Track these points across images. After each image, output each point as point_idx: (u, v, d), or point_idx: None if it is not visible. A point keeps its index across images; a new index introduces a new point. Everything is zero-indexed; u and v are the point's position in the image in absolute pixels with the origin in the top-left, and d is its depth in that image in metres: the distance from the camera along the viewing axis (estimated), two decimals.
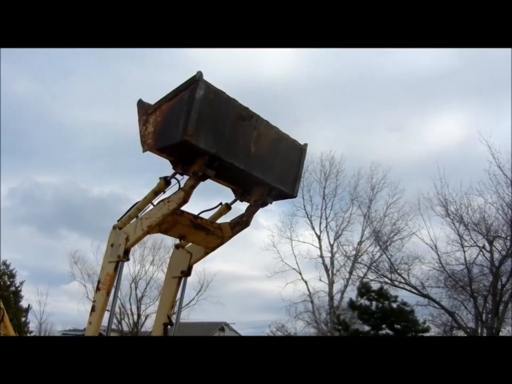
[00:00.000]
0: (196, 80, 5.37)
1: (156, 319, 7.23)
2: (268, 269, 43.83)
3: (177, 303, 7.22)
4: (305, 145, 6.73)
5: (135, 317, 46.56)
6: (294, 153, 6.65)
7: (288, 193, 6.76)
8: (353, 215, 41.35)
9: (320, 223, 41.80)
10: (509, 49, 15.26)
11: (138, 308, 46.75)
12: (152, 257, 47.01)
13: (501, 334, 29.99)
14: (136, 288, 46.85)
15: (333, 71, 61.12)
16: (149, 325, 46.90)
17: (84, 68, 72.94)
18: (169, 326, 6.91)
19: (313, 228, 41.91)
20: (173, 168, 5.90)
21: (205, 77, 5.45)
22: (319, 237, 41.71)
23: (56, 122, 73.41)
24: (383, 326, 32.88)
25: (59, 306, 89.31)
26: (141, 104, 5.91)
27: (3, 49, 12.49)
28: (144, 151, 5.80)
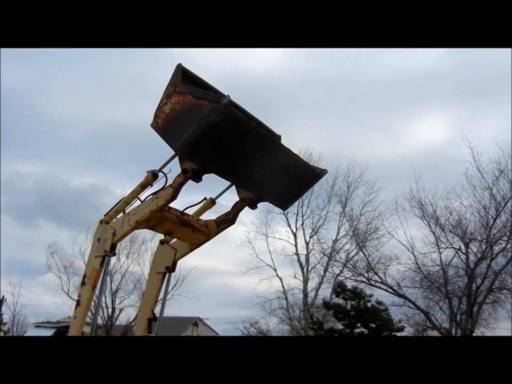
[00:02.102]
0: (219, 103, 5.12)
1: (139, 314, 7.24)
2: (242, 265, 43.77)
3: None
4: (324, 171, 6.63)
5: (110, 310, 46.20)
6: (305, 177, 6.59)
7: (277, 206, 6.95)
8: (330, 213, 41.51)
9: (296, 221, 41.87)
10: (509, 49, 15.28)
11: (113, 301, 46.43)
12: (128, 250, 46.64)
13: (474, 335, 30.32)
14: (111, 281, 46.51)
15: (318, 69, 61.13)
16: (123, 319, 46.79)
17: (69, 61, 72.18)
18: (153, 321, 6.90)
19: (289, 225, 41.97)
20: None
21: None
22: (294, 234, 41.85)
23: (40, 114, 72.54)
24: (358, 324, 33.08)
25: (33, 298, 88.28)
26: (178, 72, 5.68)
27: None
28: (151, 125, 5.72)
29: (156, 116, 5.68)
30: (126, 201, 6.31)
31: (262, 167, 5.92)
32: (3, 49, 11.85)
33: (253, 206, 6.63)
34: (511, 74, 34.71)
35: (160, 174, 6.06)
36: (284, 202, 6.95)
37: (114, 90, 70.18)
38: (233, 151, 5.63)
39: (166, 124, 5.59)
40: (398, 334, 32.40)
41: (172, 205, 6.27)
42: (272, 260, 41.40)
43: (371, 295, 33.73)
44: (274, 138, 5.81)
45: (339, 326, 34.24)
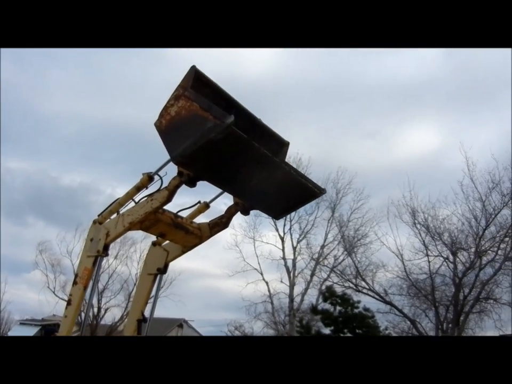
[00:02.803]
0: (222, 122, 4.98)
1: (129, 315, 7.24)
2: (229, 268, 43.73)
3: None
4: (323, 191, 6.50)
5: (95, 309, 45.98)
6: (302, 195, 6.49)
7: (270, 216, 6.99)
8: (318, 218, 41.54)
9: (284, 225, 41.83)
10: (509, 49, 15.25)
11: (99, 301, 46.24)
12: (117, 251, 46.47)
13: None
14: (98, 280, 46.17)
15: (310, 72, 60.96)
16: (108, 318, 46.67)
17: (61, 59, 72.04)
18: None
19: (277, 230, 41.93)
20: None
21: None
22: (282, 239, 41.89)
23: (31, 111, 72.25)
24: (345, 330, 33.23)
25: (18, 294, 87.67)
26: (190, 74, 5.52)
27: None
28: (155, 124, 5.62)
29: (161, 115, 5.59)
30: (120, 203, 6.31)
31: (259, 181, 5.89)
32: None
33: (246, 213, 6.67)
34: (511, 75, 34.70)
35: (156, 177, 6.06)
36: (277, 214, 7.00)
37: (107, 89, 70.03)
38: (231, 165, 5.61)
39: (168, 127, 5.52)
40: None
41: (166, 207, 6.28)
42: (259, 263, 41.42)
43: (358, 301, 33.93)
44: (274, 159, 5.66)
45: (325, 331, 34.43)
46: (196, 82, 5.57)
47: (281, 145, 6.52)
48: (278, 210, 6.87)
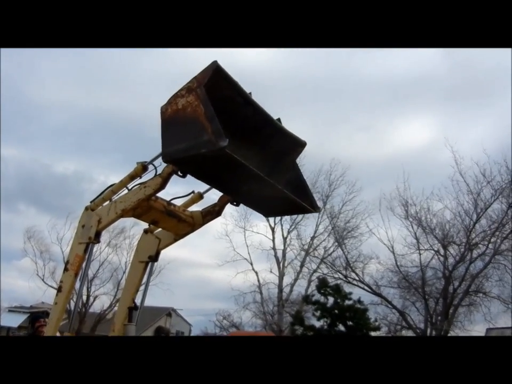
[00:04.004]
0: (216, 142, 4.82)
1: (120, 303, 7.22)
2: (219, 258, 44.02)
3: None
4: (317, 210, 6.43)
5: (84, 297, 45.99)
6: (294, 208, 6.52)
7: (260, 213, 7.04)
8: None
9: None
10: (509, 49, 15.28)
11: (88, 289, 46.27)
12: (109, 239, 46.50)
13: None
14: (89, 268, 46.15)
15: (305, 66, 61.15)
16: (97, 306, 46.74)
17: (55, 48, 71.49)
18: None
19: (267, 219, 42.12)
20: None
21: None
22: (272, 229, 42.08)
23: (24, 97, 72.05)
24: (337, 322, 33.32)
25: (8, 282, 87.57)
26: (209, 70, 5.26)
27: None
28: (161, 107, 5.43)
29: (169, 102, 5.40)
30: (113, 190, 6.27)
31: (250, 190, 5.88)
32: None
33: (237, 204, 6.66)
34: (511, 75, 34.90)
35: (150, 167, 6.01)
36: (267, 214, 7.02)
37: (100, 78, 69.77)
38: (221, 176, 5.65)
39: (171, 118, 5.35)
40: (375, 333, 32.74)
41: (159, 195, 6.28)
42: (249, 253, 41.86)
43: (350, 293, 34.06)
44: (266, 179, 5.56)
45: (314, 321, 34.58)
46: (214, 78, 5.31)
47: (297, 145, 6.46)
48: (268, 212, 7.02)
